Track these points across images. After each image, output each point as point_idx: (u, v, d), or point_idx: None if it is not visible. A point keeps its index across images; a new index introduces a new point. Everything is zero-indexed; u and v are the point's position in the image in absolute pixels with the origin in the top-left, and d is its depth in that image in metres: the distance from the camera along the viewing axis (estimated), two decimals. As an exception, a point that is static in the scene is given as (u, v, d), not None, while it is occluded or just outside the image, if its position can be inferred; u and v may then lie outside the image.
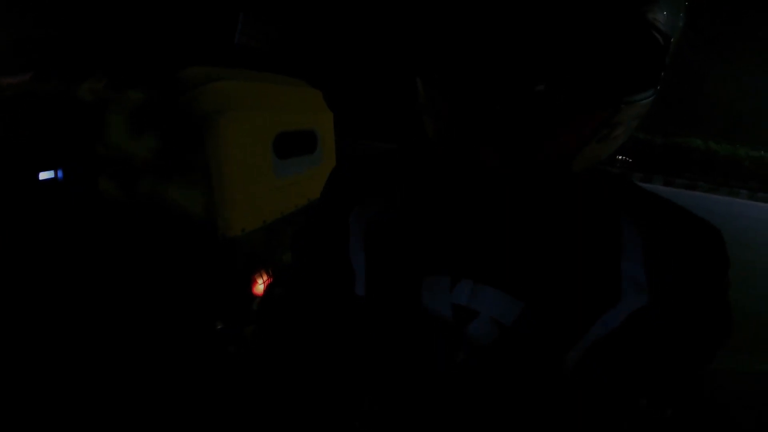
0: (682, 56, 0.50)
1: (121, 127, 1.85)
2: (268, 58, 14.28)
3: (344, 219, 0.67)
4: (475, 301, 0.59)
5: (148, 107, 1.83)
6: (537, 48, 0.46)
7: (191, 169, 1.79)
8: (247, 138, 1.84)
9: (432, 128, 0.57)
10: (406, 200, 0.65)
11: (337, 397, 0.73)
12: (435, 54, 0.54)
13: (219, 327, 1.98)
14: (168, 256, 1.91)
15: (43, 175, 2.36)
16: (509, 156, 0.50)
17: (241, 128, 1.80)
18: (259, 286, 2.04)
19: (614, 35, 0.47)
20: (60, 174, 2.17)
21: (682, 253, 0.57)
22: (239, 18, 13.39)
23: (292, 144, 2.25)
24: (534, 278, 0.58)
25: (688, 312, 0.57)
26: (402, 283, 0.61)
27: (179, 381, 2.03)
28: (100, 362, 2.03)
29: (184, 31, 13.21)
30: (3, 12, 10.99)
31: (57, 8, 12.24)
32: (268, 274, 2.07)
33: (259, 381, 0.83)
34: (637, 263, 0.56)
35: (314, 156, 2.49)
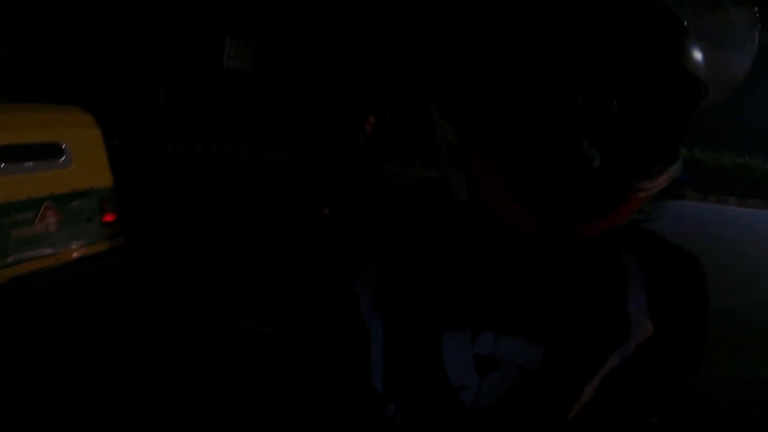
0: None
1: None
2: (256, 80, 15.15)
3: (348, 285, 0.65)
4: (497, 350, 0.60)
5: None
6: (594, 118, 0.47)
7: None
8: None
9: (464, 186, 0.57)
10: (412, 255, 0.64)
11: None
12: (496, 119, 0.51)
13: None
14: None
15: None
16: (559, 231, 0.52)
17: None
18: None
19: (667, 99, 0.49)
20: None
21: (676, 287, 0.63)
22: (226, 42, 14.35)
23: (20, 151, 3.20)
24: (552, 324, 0.60)
25: (683, 333, 0.63)
26: (421, 341, 0.61)
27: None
28: None
29: (175, 56, 14.26)
30: (8, 30, 12.27)
31: (54, 31, 13.46)
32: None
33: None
34: (640, 301, 0.60)
35: (59, 161, 3.45)
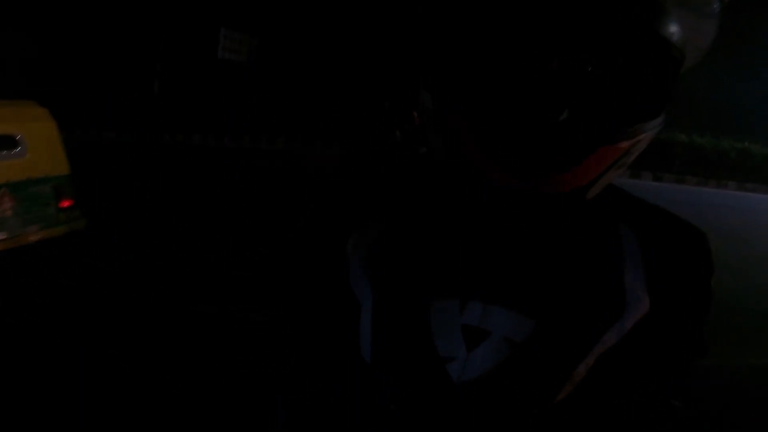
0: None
1: None
2: (250, 71, 15.11)
3: (341, 247, 0.65)
4: (486, 321, 0.58)
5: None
6: (564, 75, 0.47)
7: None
8: None
9: (442, 148, 0.57)
10: (408, 223, 0.64)
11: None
12: (462, 78, 0.52)
13: None
14: None
15: None
16: (530, 183, 0.51)
17: None
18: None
19: (635, 54, 0.49)
20: None
21: (677, 261, 0.60)
22: (221, 33, 14.28)
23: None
24: (544, 296, 0.58)
25: (683, 312, 0.60)
26: (410, 309, 0.60)
27: None
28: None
29: (169, 48, 14.21)
30: (7, 32, 12.28)
31: (49, 27, 13.43)
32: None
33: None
34: (638, 275, 0.58)
35: (15, 151, 3.64)
